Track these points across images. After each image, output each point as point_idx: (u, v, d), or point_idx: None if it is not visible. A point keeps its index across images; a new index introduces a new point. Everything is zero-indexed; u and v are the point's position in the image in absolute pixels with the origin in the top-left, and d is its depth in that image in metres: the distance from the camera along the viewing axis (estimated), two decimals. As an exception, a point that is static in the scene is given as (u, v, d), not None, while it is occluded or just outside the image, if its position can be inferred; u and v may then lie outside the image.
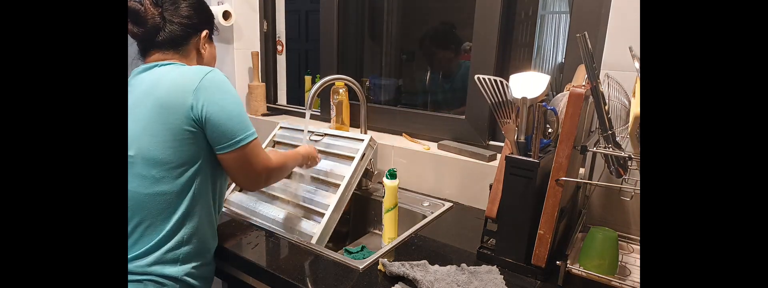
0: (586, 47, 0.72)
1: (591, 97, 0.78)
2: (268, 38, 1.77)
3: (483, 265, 0.86)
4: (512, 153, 0.83)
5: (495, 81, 0.83)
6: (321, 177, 1.17)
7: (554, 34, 1.51)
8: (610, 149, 0.78)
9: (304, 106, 1.70)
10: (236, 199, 1.22)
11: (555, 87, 1.25)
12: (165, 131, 0.81)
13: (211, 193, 0.88)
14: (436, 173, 1.27)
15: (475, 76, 0.83)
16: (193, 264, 0.87)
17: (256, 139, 0.86)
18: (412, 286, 0.80)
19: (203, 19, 0.93)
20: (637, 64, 0.70)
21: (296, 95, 1.93)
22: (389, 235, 1.05)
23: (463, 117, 1.32)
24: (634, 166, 0.80)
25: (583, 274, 0.82)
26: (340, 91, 1.46)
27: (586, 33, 0.72)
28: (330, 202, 1.08)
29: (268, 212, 1.14)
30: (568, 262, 0.82)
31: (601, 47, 0.96)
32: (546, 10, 1.54)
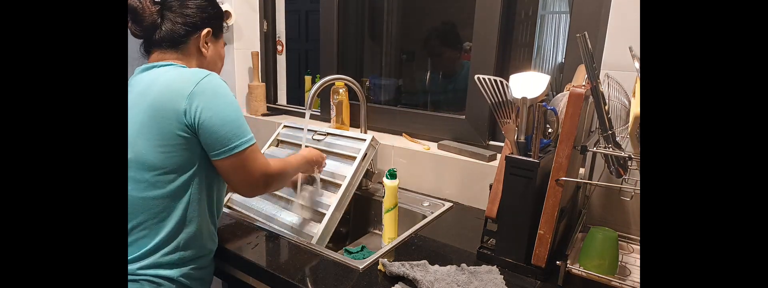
0: (586, 47, 0.72)
1: (591, 97, 0.78)
2: (268, 38, 1.77)
3: (483, 265, 0.86)
4: (512, 153, 0.83)
5: (495, 81, 0.83)
6: (322, 177, 1.17)
7: (554, 34, 1.51)
8: (610, 149, 0.78)
9: (304, 106, 1.70)
10: (237, 199, 1.22)
11: (555, 87, 1.25)
12: (159, 136, 0.79)
13: (208, 198, 0.87)
14: (436, 173, 1.27)
15: (475, 76, 0.83)
16: (191, 266, 0.86)
17: (252, 145, 0.83)
18: (412, 286, 0.80)
19: (206, 17, 0.90)
20: (637, 64, 0.70)
21: (296, 95, 1.93)
22: (389, 235, 1.05)
23: (463, 117, 1.32)
24: (634, 166, 0.80)
25: (583, 274, 0.82)
26: (340, 91, 1.46)
27: (586, 33, 0.72)
28: (331, 202, 1.08)
29: (269, 212, 1.14)
30: (568, 262, 0.82)
31: (601, 47, 0.96)
32: (546, 10, 1.54)
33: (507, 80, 0.82)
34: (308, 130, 1.26)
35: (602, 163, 0.96)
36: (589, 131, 0.92)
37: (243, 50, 1.72)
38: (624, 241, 0.96)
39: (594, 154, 0.94)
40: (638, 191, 0.78)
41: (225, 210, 1.15)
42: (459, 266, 0.85)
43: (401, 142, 1.38)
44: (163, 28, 0.86)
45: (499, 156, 1.16)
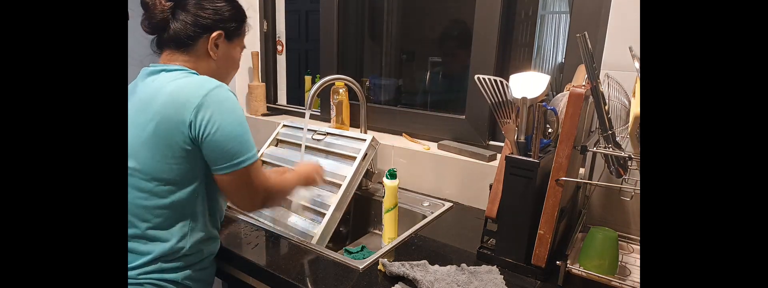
0: (586, 47, 0.72)
1: (591, 97, 0.78)
2: (268, 38, 1.77)
3: (483, 265, 0.86)
4: (512, 153, 0.83)
5: (495, 81, 0.83)
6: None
7: (554, 34, 1.51)
8: (610, 149, 0.78)
9: (304, 106, 1.70)
10: (236, 199, 1.22)
11: (555, 87, 1.25)
12: (163, 146, 0.77)
13: (210, 207, 0.86)
14: (436, 173, 1.27)
15: (475, 76, 0.83)
16: (193, 268, 0.86)
17: (255, 162, 0.81)
18: (412, 286, 0.80)
19: (219, 19, 0.85)
20: (637, 64, 0.70)
21: (296, 95, 1.93)
22: (389, 235, 1.05)
23: (463, 117, 1.32)
24: (634, 166, 0.80)
25: (583, 274, 0.82)
26: (340, 91, 1.46)
27: (586, 33, 0.72)
28: (331, 202, 1.08)
29: (269, 212, 1.14)
30: (568, 262, 0.82)
31: (601, 47, 0.96)
32: (546, 10, 1.54)
33: (507, 80, 0.82)
34: (308, 129, 1.26)
35: (602, 163, 0.96)
36: (589, 131, 0.92)
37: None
38: (624, 241, 0.96)
39: (594, 154, 0.94)
40: (638, 191, 0.78)
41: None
42: (459, 266, 0.85)
43: (401, 142, 1.38)
44: (172, 27, 0.83)
45: (499, 156, 1.16)
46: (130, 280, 0.81)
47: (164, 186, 0.79)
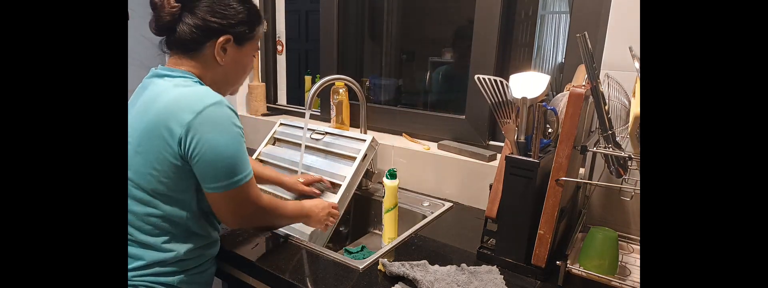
0: (586, 47, 0.72)
1: (591, 97, 0.78)
2: (268, 38, 1.77)
3: (483, 265, 0.86)
4: (512, 153, 0.83)
5: (495, 81, 0.83)
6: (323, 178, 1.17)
7: (554, 34, 1.51)
8: (610, 149, 0.78)
9: (304, 106, 1.70)
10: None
11: (555, 87, 1.25)
12: (152, 157, 0.75)
13: (206, 215, 0.84)
14: (436, 173, 1.27)
15: (475, 76, 0.83)
16: (190, 273, 0.84)
17: (245, 183, 0.77)
18: (412, 286, 0.80)
19: (228, 23, 0.80)
20: (637, 64, 0.70)
21: (296, 95, 1.93)
22: (389, 235, 1.05)
23: (463, 117, 1.32)
24: (634, 166, 0.80)
25: (583, 274, 0.82)
26: (340, 91, 1.46)
27: (586, 33, 0.72)
28: (327, 201, 1.08)
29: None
30: (568, 262, 0.82)
31: (601, 47, 0.96)
32: (546, 10, 1.54)
33: (507, 80, 0.82)
34: (307, 129, 1.26)
35: (602, 163, 0.96)
36: (589, 131, 0.92)
37: (243, 50, 1.72)
38: (624, 241, 0.96)
39: (594, 154, 0.94)
40: (638, 191, 0.78)
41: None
42: (459, 266, 0.85)
43: (401, 142, 1.38)
44: (178, 31, 0.79)
45: (499, 156, 1.16)
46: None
47: (155, 197, 0.77)
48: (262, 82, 1.78)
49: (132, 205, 0.78)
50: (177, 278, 0.82)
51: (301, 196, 1.13)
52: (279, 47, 1.81)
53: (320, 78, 1.37)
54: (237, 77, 0.88)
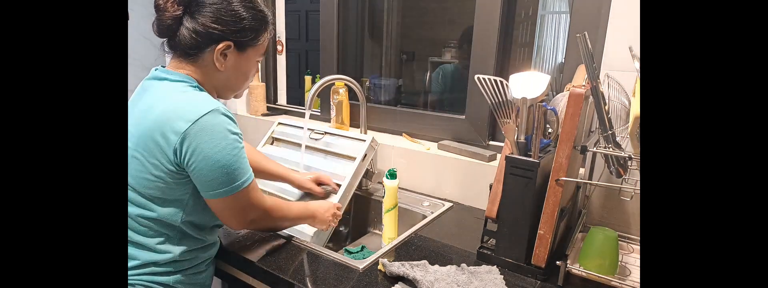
0: (586, 47, 0.72)
1: (591, 97, 0.78)
2: (268, 38, 1.77)
3: (483, 265, 0.86)
4: (512, 153, 0.83)
5: (495, 81, 0.83)
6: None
7: (554, 34, 1.51)
8: (610, 149, 0.78)
9: (304, 106, 1.70)
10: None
11: (555, 87, 1.25)
12: (148, 162, 0.74)
13: (203, 218, 0.83)
14: (436, 173, 1.27)
15: (475, 76, 0.83)
16: (186, 273, 0.84)
17: (245, 188, 0.77)
18: (412, 286, 0.80)
19: (230, 30, 0.78)
20: (637, 64, 0.70)
21: (296, 95, 1.93)
22: (389, 235, 1.05)
23: (463, 117, 1.32)
24: (634, 166, 0.80)
25: (583, 274, 0.82)
26: (340, 91, 1.46)
27: (586, 33, 0.72)
28: (331, 202, 1.08)
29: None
30: (568, 262, 0.82)
31: (601, 47, 0.96)
32: (546, 10, 1.54)
33: (507, 80, 0.82)
34: (306, 128, 1.26)
35: (602, 163, 0.96)
36: (589, 131, 0.92)
37: (243, 50, 1.72)
38: (624, 241, 0.96)
39: (594, 154, 0.94)
40: (638, 191, 0.78)
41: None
42: (459, 266, 0.85)
43: (401, 142, 1.38)
44: (179, 35, 0.78)
45: (499, 156, 1.16)
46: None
47: (150, 201, 0.77)
48: (262, 82, 1.78)
49: (131, 207, 0.78)
50: (173, 278, 0.82)
51: (304, 195, 1.13)
52: (279, 47, 1.81)
53: (320, 78, 1.37)
54: (238, 83, 0.87)
